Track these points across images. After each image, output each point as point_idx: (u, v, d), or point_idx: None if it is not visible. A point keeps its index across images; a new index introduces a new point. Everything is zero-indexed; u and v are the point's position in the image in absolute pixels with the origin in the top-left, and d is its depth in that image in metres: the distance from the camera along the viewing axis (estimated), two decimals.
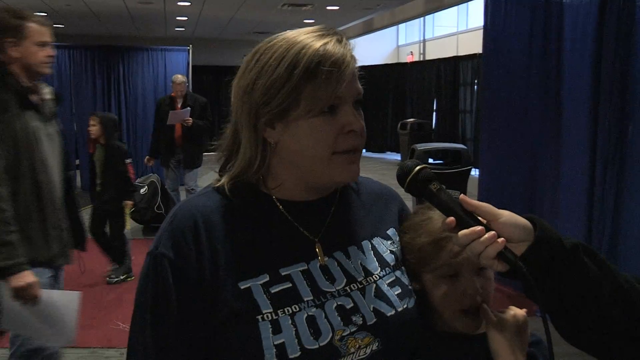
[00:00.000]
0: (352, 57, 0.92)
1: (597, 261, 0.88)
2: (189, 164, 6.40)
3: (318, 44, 0.89)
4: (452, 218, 0.87)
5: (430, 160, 7.56)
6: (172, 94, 6.47)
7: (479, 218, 0.87)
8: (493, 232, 0.84)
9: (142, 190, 6.76)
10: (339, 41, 0.91)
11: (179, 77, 6.58)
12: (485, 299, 1.02)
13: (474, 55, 11.00)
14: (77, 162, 9.95)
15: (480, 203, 0.88)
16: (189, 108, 6.25)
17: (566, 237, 0.88)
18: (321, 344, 0.88)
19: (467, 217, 0.86)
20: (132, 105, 10.01)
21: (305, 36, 0.91)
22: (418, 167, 0.90)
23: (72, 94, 9.77)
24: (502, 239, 0.84)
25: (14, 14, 2.26)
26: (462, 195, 0.89)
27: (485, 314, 1.00)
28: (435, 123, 12.54)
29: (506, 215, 0.87)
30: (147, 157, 6.82)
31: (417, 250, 1.03)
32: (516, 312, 1.01)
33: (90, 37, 14.29)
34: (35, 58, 2.33)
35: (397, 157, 13.37)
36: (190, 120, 6.19)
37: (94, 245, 6.33)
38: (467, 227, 0.85)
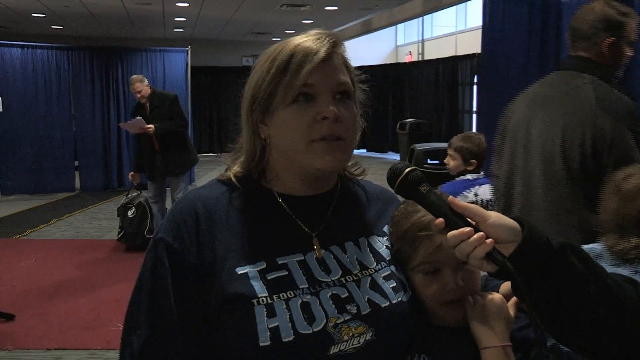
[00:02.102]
0: (330, 50, 0.96)
1: (584, 261, 0.89)
2: (171, 170, 5.72)
3: (299, 41, 0.96)
4: (441, 219, 0.88)
5: (429, 160, 7.57)
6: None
7: (468, 219, 0.88)
8: (481, 233, 0.86)
9: (129, 213, 5.97)
10: (319, 38, 0.97)
11: (134, 77, 5.80)
12: (470, 290, 1.03)
13: (473, 55, 11.02)
14: (76, 163, 9.97)
15: (469, 204, 0.89)
16: (139, 117, 5.60)
17: (554, 237, 0.90)
18: (315, 330, 0.90)
19: (456, 219, 0.88)
20: (130, 107, 10.02)
21: (295, 38, 0.98)
22: (408, 169, 0.92)
23: (70, 96, 9.77)
24: (490, 239, 0.85)
25: (618, 10, 1.99)
26: (450, 197, 0.90)
27: (467, 305, 1.02)
28: (434, 123, 12.55)
29: (494, 216, 0.88)
30: (132, 172, 6.01)
31: (397, 249, 1.06)
32: (493, 296, 1.02)
33: (89, 38, 14.28)
34: (623, 59, 2.02)
35: (397, 157, 13.37)
36: (151, 127, 5.52)
37: (94, 246, 6.35)
38: (456, 229, 0.87)
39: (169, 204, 5.97)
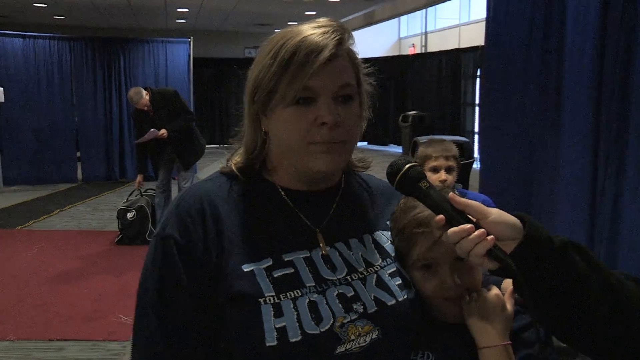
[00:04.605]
0: (334, 49, 0.91)
1: (586, 258, 0.88)
2: (182, 161, 5.80)
3: (303, 35, 0.91)
4: (441, 216, 0.87)
5: None
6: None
7: (469, 216, 0.87)
8: (482, 230, 0.84)
9: (129, 216, 5.96)
10: (325, 33, 0.91)
11: (133, 96, 5.70)
12: (470, 287, 1.02)
13: (476, 47, 10.96)
14: (78, 154, 9.97)
15: (470, 201, 0.88)
16: (153, 129, 5.58)
17: (556, 235, 0.89)
18: (322, 330, 0.88)
19: (457, 215, 0.87)
20: None
21: (300, 28, 0.93)
22: (408, 165, 0.91)
23: (72, 86, 9.75)
24: (491, 236, 0.84)
25: None
26: (451, 193, 0.89)
27: (462, 302, 1.01)
28: (437, 116, 12.52)
29: (495, 213, 0.87)
30: (139, 176, 5.95)
31: (396, 245, 1.05)
32: (490, 292, 1.01)
33: (91, 29, 14.24)
34: None
35: (399, 149, 13.35)
36: (164, 132, 5.59)
37: (96, 237, 6.37)
38: (457, 225, 0.86)
39: (173, 197, 5.99)
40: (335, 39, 0.91)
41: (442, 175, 2.54)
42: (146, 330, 0.92)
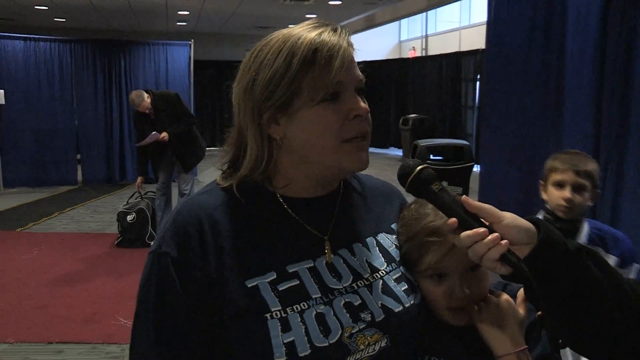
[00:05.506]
0: (349, 44, 0.93)
1: (600, 265, 0.87)
2: (182, 165, 5.77)
3: (313, 34, 0.91)
4: (454, 219, 0.86)
5: (432, 156, 7.53)
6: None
7: (482, 220, 0.86)
8: (496, 234, 0.83)
9: (129, 218, 5.97)
10: (334, 30, 0.92)
11: (134, 98, 5.67)
12: (479, 295, 1.01)
13: (477, 50, 10.97)
14: (79, 156, 9.96)
15: (483, 204, 0.87)
16: (154, 133, 5.56)
17: (570, 240, 0.87)
18: (331, 342, 0.87)
19: (470, 219, 0.85)
20: None
21: (300, 29, 0.93)
22: (420, 167, 0.89)
23: (73, 88, 9.74)
24: (505, 241, 0.83)
25: None
26: (464, 196, 0.87)
27: (472, 312, 1.00)
28: (437, 119, 12.52)
29: (509, 217, 0.85)
30: (139, 178, 5.88)
31: (405, 251, 1.03)
32: (500, 299, 1.00)
33: (92, 31, 14.26)
34: None
35: (399, 152, 13.35)
36: (165, 135, 5.57)
37: (96, 240, 6.36)
38: (470, 229, 0.84)
39: (174, 200, 5.99)
40: (347, 35, 0.93)
41: (567, 192, 1.98)
42: (144, 346, 0.90)
